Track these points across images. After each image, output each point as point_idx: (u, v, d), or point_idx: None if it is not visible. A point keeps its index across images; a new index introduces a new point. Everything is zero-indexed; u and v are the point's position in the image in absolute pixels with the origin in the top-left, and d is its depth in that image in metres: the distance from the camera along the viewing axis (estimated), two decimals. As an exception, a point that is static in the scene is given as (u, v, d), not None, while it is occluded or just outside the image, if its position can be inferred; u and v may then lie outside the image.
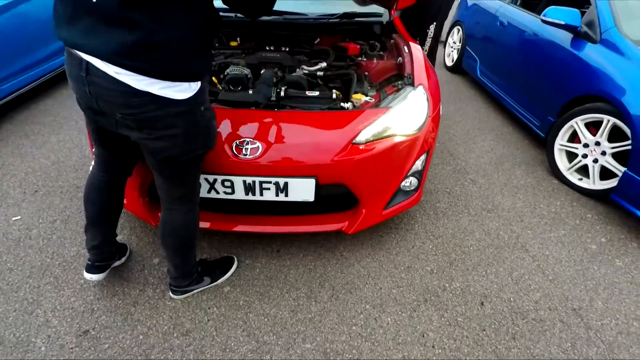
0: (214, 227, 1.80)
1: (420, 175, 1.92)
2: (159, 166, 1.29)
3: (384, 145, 1.68)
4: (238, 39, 2.54)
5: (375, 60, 2.29)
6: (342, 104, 1.87)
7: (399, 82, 1.95)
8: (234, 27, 2.49)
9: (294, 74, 2.13)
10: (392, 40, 2.43)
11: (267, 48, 2.50)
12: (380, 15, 2.71)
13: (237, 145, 1.60)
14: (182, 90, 1.11)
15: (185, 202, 1.45)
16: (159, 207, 1.59)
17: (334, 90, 1.97)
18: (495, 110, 3.97)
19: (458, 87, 4.58)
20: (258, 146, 1.60)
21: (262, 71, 2.17)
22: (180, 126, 1.16)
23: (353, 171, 1.67)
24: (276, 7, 2.62)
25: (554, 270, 1.97)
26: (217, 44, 2.50)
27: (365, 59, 2.34)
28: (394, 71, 2.21)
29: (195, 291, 1.72)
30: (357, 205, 1.83)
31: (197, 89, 1.16)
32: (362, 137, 1.67)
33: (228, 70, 2.05)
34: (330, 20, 2.54)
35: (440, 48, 3.46)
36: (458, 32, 5.01)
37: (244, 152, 1.59)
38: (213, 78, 2.06)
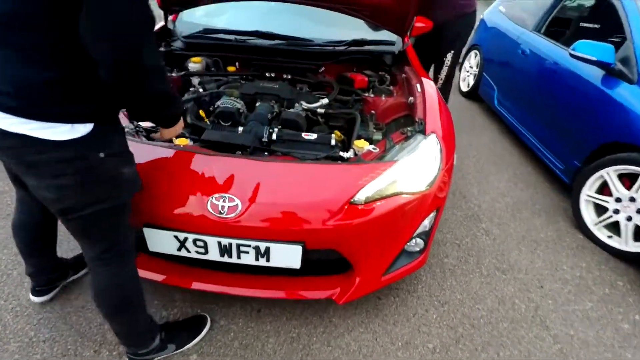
0: (169, 282, 1.57)
1: (427, 235, 1.66)
2: (61, 220, 1.12)
3: (387, 206, 1.43)
4: (237, 64, 2.33)
5: (383, 97, 2.05)
6: (341, 152, 1.63)
7: (409, 129, 1.70)
8: (233, 51, 2.28)
9: (292, 110, 1.90)
10: (403, 74, 2.19)
11: (267, 75, 2.28)
12: (392, 43, 2.47)
13: (212, 201, 1.36)
14: (62, 133, 0.95)
15: (109, 260, 1.21)
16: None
17: (333, 134, 1.73)
18: (513, 144, 3.69)
19: (473, 115, 4.31)
20: (237, 204, 1.36)
21: (258, 104, 1.94)
22: (69, 174, 0.99)
23: (348, 236, 1.42)
24: (281, 32, 2.45)
25: (579, 357, 1.69)
26: (213, 69, 2.28)
27: (372, 95, 2.09)
28: (403, 111, 1.97)
29: (156, 362, 1.49)
30: (351, 269, 1.58)
31: (86, 132, 0.98)
32: (361, 196, 1.42)
33: (219, 103, 1.83)
34: (337, 48, 2.31)
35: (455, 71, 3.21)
36: (475, 57, 4.74)
37: (220, 209, 1.36)
38: (200, 112, 1.83)
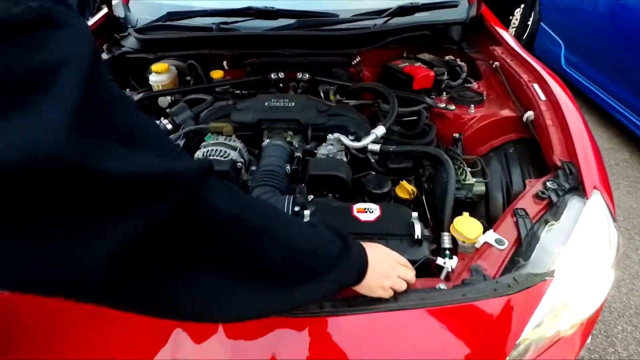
0: None
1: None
2: None
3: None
4: (225, 64, 1.51)
5: (472, 109, 1.21)
6: (437, 259, 0.85)
7: (549, 185, 0.92)
8: (216, 45, 1.46)
9: (322, 151, 1.12)
10: (494, 62, 1.35)
11: (272, 77, 1.47)
12: (455, 4, 1.61)
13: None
14: None
15: None
16: None
17: (403, 188, 0.98)
18: (604, 125, 2.84)
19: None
20: None
21: (265, 142, 1.17)
22: None
23: None
24: (287, 6, 1.47)
25: None
26: (188, 78, 1.47)
27: (449, 103, 1.27)
28: (512, 132, 1.17)
29: None
30: None
31: None
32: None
33: (199, 153, 1.06)
34: (375, 24, 1.47)
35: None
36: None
37: None
38: None
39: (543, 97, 1.08)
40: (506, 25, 2.30)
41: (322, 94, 1.49)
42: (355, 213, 0.93)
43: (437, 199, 1.08)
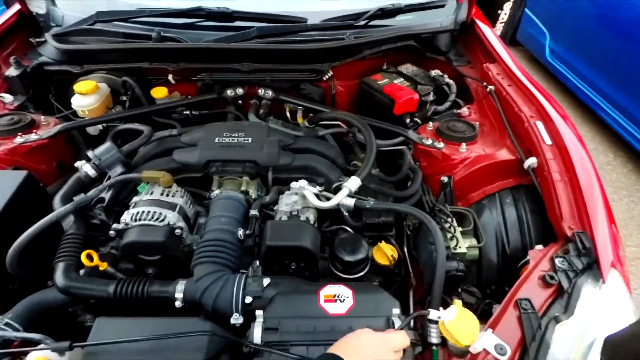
0: None
1: None
2: None
3: None
4: (170, 77, 1.24)
5: (463, 148, 1.02)
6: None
7: (557, 273, 0.75)
8: (159, 56, 1.19)
9: (284, 212, 0.91)
10: (490, 86, 1.15)
11: (229, 95, 1.23)
12: (442, 4, 1.39)
13: None
14: None
15: None
16: None
17: (381, 254, 0.82)
18: (588, 122, 2.73)
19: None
20: None
21: (214, 193, 0.95)
22: None
23: None
24: (246, 7, 1.15)
25: None
26: (124, 98, 1.20)
27: (435, 136, 1.07)
28: (509, 177, 0.99)
29: None
30: None
31: None
32: None
33: (128, 217, 0.84)
34: (349, 32, 1.23)
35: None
36: (510, -16, 3.52)
37: None
38: (91, 252, 0.82)
39: (548, 141, 0.91)
40: (494, 20, 2.10)
41: (288, 115, 1.27)
42: (322, 303, 0.75)
43: (421, 265, 0.91)
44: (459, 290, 0.89)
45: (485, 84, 1.15)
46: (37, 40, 1.24)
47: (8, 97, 1.10)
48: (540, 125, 0.95)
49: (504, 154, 0.97)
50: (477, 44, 1.32)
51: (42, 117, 1.07)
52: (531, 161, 0.91)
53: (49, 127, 1.04)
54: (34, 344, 0.67)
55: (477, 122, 1.07)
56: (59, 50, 1.16)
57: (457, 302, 0.73)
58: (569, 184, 0.84)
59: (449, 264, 0.83)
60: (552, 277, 0.74)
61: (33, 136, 1.00)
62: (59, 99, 1.19)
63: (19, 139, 0.98)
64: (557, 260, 0.76)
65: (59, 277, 0.76)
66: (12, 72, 1.12)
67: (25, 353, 0.66)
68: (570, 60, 2.78)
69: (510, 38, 3.44)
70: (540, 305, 0.72)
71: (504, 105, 1.06)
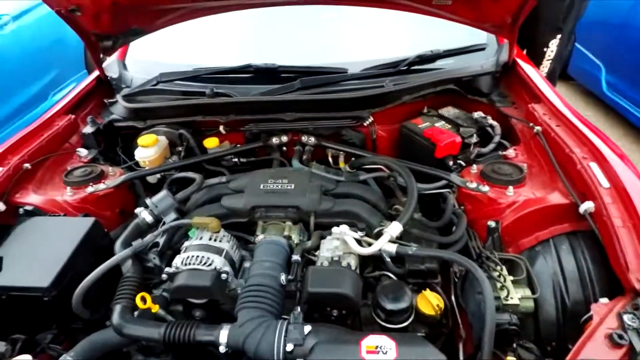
0: None
1: None
2: None
3: None
4: (221, 128, 1.34)
5: (510, 191, 0.98)
6: None
7: (627, 332, 0.67)
8: (211, 110, 1.30)
9: (326, 252, 0.92)
10: (537, 127, 1.11)
11: (274, 141, 1.30)
12: (482, 47, 1.40)
13: None
14: None
15: None
16: None
17: (426, 305, 0.80)
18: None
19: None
20: None
21: (259, 238, 0.99)
22: None
23: None
24: (290, 62, 1.25)
25: None
26: (180, 149, 1.31)
27: (479, 179, 1.05)
28: (565, 222, 0.93)
29: None
30: None
31: None
32: None
33: (179, 261, 0.89)
34: (389, 84, 1.27)
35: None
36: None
37: None
38: (144, 295, 0.87)
39: (606, 184, 0.85)
40: (539, 59, 2.06)
41: (330, 160, 1.31)
42: (364, 354, 0.73)
43: (469, 317, 0.86)
44: (514, 345, 0.82)
45: (531, 124, 1.11)
46: (110, 100, 1.41)
47: (83, 152, 1.25)
48: (594, 166, 0.89)
49: (556, 198, 0.92)
50: (520, 85, 1.30)
51: (110, 168, 1.20)
52: (588, 205, 0.85)
53: (115, 177, 1.16)
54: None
55: (524, 164, 1.04)
56: (127, 108, 1.31)
57: (511, 360, 0.68)
58: (633, 230, 0.77)
59: (499, 316, 0.78)
60: (620, 337, 0.66)
61: (102, 186, 1.11)
62: (125, 152, 1.32)
63: (89, 189, 1.10)
64: (625, 317, 0.68)
65: (116, 319, 0.81)
66: (88, 129, 1.27)
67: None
68: (629, 92, 2.63)
69: (561, 73, 3.35)
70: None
71: (553, 146, 1.01)
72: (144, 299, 0.84)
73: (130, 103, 1.31)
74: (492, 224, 0.96)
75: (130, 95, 1.35)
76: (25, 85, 2.76)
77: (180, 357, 0.88)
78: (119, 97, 1.34)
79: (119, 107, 1.36)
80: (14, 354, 0.78)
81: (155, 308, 0.86)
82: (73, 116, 1.34)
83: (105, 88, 1.49)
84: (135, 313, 0.85)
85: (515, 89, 1.33)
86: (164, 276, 0.90)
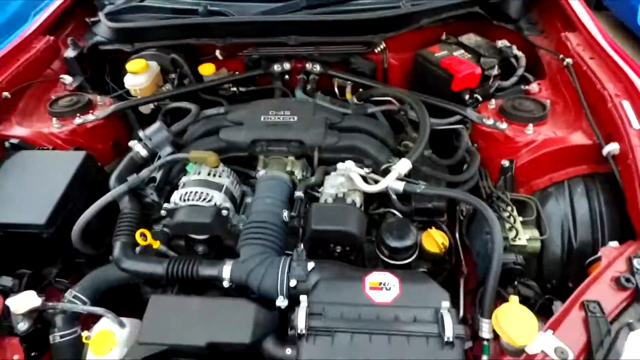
0: None
1: None
2: None
3: None
4: (218, 53, 1.22)
5: (530, 129, 0.90)
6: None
7: (635, 275, 0.66)
8: (204, 32, 1.17)
9: (330, 189, 0.89)
10: (565, 58, 0.99)
11: (276, 69, 1.20)
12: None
13: None
14: None
15: None
16: None
17: (430, 243, 0.80)
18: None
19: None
20: None
21: (260, 174, 0.95)
22: None
23: None
24: None
25: None
26: (173, 76, 1.20)
27: (497, 116, 0.96)
28: (585, 163, 0.88)
29: None
30: None
31: None
32: None
33: (177, 197, 0.86)
34: (406, 4, 1.12)
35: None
36: None
37: None
38: (144, 231, 0.84)
39: (637, 125, 0.78)
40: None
41: (336, 90, 1.22)
42: (367, 291, 0.73)
43: (474, 255, 0.85)
44: (515, 283, 0.82)
45: (561, 56, 1.00)
46: (92, 20, 1.27)
47: (68, 79, 1.15)
48: (627, 105, 0.82)
49: (578, 138, 0.86)
50: (555, 10, 1.15)
51: (98, 97, 1.11)
52: (612, 147, 0.80)
53: (104, 107, 1.08)
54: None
55: (548, 100, 0.95)
56: (111, 29, 1.18)
57: (514, 299, 0.68)
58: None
59: (505, 256, 0.77)
60: (628, 280, 0.66)
61: (90, 117, 1.04)
62: (114, 79, 1.22)
63: (77, 120, 1.03)
64: (635, 261, 0.67)
65: (117, 255, 0.80)
66: (69, 53, 1.16)
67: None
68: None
69: (595, 3, 3.03)
70: (611, 309, 0.64)
71: (583, 81, 0.92)
72: (144, 235, 0.83)
73: (114, 22, 1.17)
74: (505, 163, 0.91)
75: (114, 13, 1.21)
76: (1, 6, 2.50)
77: (186, 289, 0.90)
78: (101, 15, 1.20)
79: (103, 28, 1.22)
80: (21, 288, 0.79)
81: (156, 244, 0.85)
82: (52, 38, 1.21)
83: (87, 4, 1.34)
84: (137, 249, 0.84)
85: (548, 15, 1.19)
86: (163, 212, 0.87)
